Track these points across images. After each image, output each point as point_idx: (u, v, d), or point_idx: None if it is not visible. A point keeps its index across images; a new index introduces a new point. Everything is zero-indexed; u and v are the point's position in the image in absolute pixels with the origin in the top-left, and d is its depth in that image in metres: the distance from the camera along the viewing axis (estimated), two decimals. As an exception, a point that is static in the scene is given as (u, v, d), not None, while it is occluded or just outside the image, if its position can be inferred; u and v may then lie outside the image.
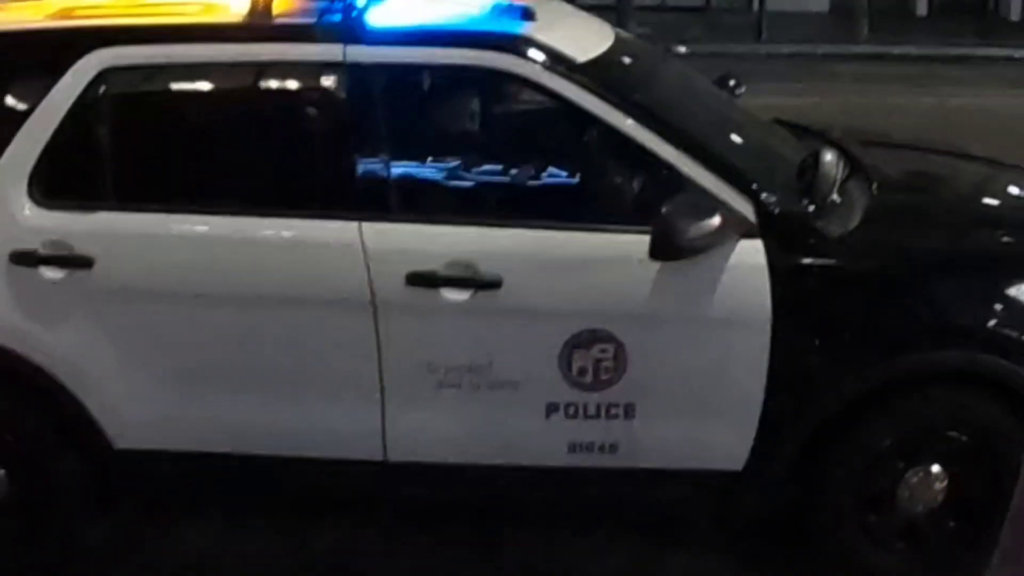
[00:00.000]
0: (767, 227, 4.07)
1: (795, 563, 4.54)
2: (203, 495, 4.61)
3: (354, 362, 4.16)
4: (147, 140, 4.29)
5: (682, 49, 14.36)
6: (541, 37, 4.23)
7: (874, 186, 4.57)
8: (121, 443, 4.29)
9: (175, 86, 4.31)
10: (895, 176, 4.87)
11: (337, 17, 4.19)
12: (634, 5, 16.91)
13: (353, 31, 4.16)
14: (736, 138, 4.57)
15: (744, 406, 4.14)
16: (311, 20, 4.20)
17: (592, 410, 4.16)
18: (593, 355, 4.09)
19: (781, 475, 4.26)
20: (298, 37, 4.20)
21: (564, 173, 4.37)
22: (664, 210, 3.90)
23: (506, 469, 4.28)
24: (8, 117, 4.23)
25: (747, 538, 4.67)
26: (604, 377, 4.11)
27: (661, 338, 4.11)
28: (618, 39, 4.69)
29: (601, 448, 4.21)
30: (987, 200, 4.98)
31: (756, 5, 17.85)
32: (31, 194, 4.17)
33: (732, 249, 4.03)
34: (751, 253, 4.04)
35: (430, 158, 4.30)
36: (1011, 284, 4.20)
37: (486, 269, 4.05)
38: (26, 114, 4.19)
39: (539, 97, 4.22)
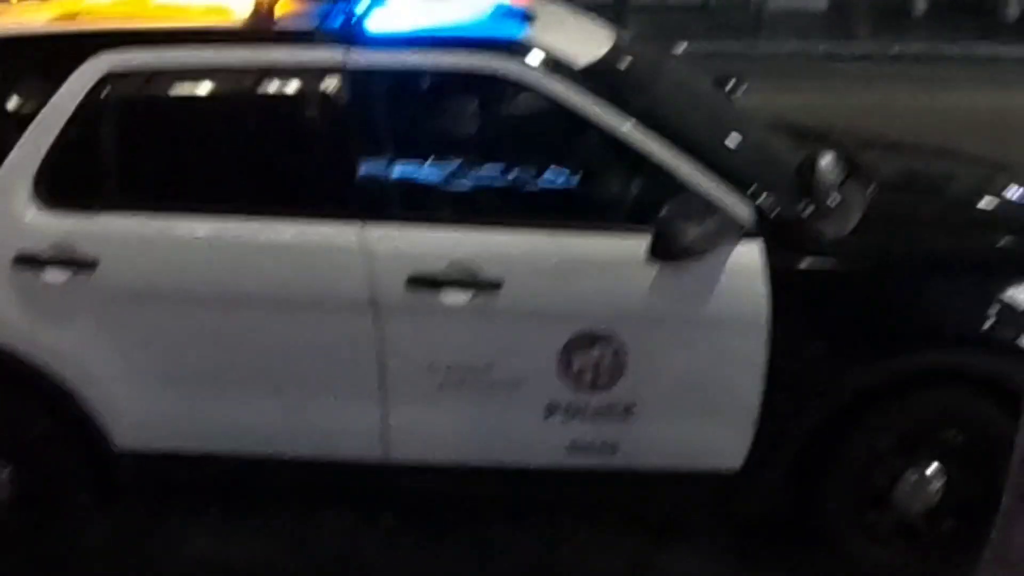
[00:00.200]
0: (765, 229, 4.09)
1: (793, 562, 4.55)
2: (205, 495, 4.64)
3: (355, 363, 4.18)
4: (150, 143, 4.30)
5: (681, 48, 14.33)
6: (541, 40, 4.25)
7: (872, 187, 4.59)
8: (124, 444, 4.31)
9: (178, 90, 4.31)
10: (893, 177, 4.89)
11: (338, 21, 4.21)
12: (632, 4, 16.87)
13: (354, 35, 4.18)
14: (735, 140, 4.58)
15: (743, 406, 4.16)
16: (313, 24, 4.22)
17: (592, 411, 4.18)
18: (593, 356, 4.12)
19: (780, 475, 4.28)
20: (300, 41, 4.22)
21: (564, 176, 4.37)
22: (663, 212, 3.92)
23: (506, 469, 4.30)
24: (13, 120, 4.26)
25: (745, 537, 4.69)
26: (604, 378, 4.14)
27: (660, 339, 4.13)
28: (618, 41, 4.71)
29: (601, 448, 4.23)
30: (984, 201, 4.97)
31: (754, 4, 17.79)
32: (35, 197, 4.19)
33: (730, 251, 4.05)
34: (749, 255, 4.07)
35: (431, 161, 4.31)
36: (1008, 285, 4.21)
37: (486, 271, 4.07)
38: (30, 117, 4.20)
39: (539, 100, 4.22)
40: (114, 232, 4.18)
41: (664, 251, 3.94)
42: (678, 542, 4.69)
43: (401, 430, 4.25)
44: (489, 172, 4.34)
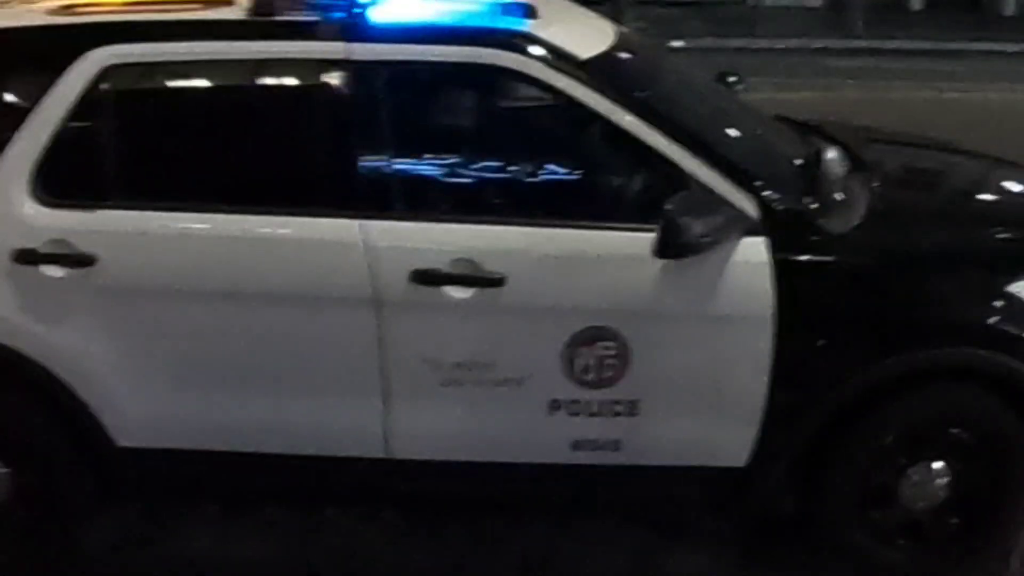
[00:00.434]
0: (770, 224, 4.06)
1: (798, 559, 4.54)
2: (205, 493, 4.61)
3: (357, 360, 4.15)
4: (149, 138, 4.27)
5: (677, 44, 14.35)
6: (543, 34, 4.22)
7: (876, 182, 4.56)
8: (123, 441, 4.28)
9: (178, 83, 4.30)
10: (897, 172, 4.88)
11: (340, 14, 4.17)
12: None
13: (356, 28, 4.15)
14: (739, 135, 4.55)
15: (747, 403, 4.13)
16: (314, 17, 4.18)
17: (595, 407, 4.16)
18: (596, 352, 4.09)
19: (785, 472, 4.26)
20: (301, 34, 4.17)
21: (567, 170, 4.36)
22: (668, 208, 3.88)
23: (509, 466, 4.27)
24: (10, 114, 4.21)
25: (749, 534, 4.69)
26: (607, 374, 4.11)
27: (664, 335, 4.10)
28: (620, 35, 4.68)
29: (604, 445, 4.21)
30: (988, 196, 4.97)
31: (751, -1, 17.87)
32: (33, 192, 4.15)
33: (735, 246, 4.03)
34: (754, 250, 4.04)
35: (433, 155, 4.29)
36: (1013, 280, 4.19)
37: (489, 266, 4.04)
38: (28, 111, 4.17)
39: (542, 94, 4.21)
40: (113, 228, 4.14)
41: (669, 247, 3.91)
42: (680, 539, 4.70)
43: (403, 427, 4.22)
44: (492, 166, 4.32)
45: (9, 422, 4.32)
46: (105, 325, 4.17)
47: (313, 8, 4.21)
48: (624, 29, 4.84)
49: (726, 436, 4.19)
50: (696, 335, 4.10)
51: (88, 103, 4.16)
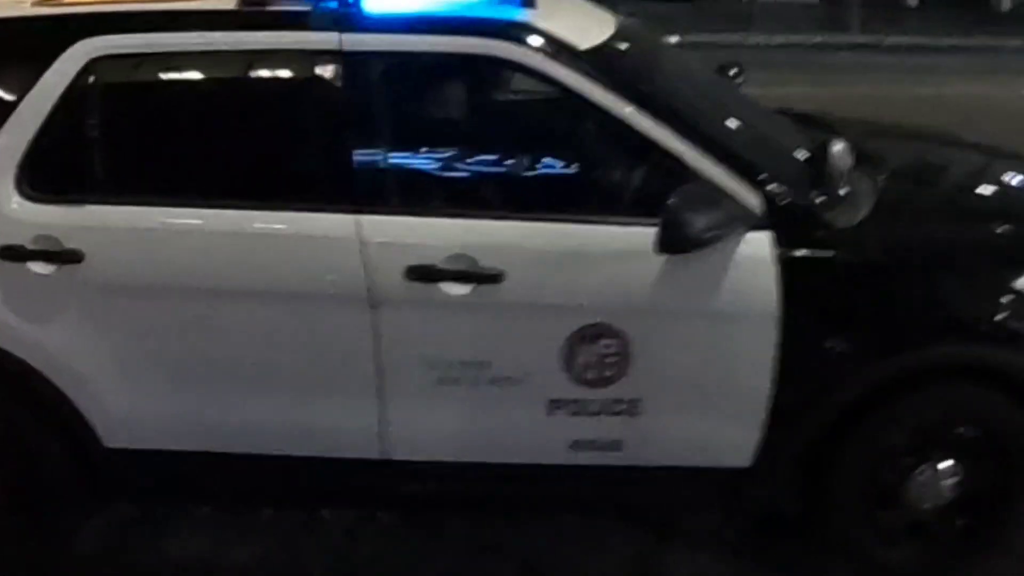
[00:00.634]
0: (775, 219, 3.99)
1: (802, 560, 4.50)
2: (197, 495, 4.57)
3: (351, 358, 4.08)
4: (138, 131, 4.19)
5: (673, 39, 14.26)
6: (542, 23, 4.13)
7: (881, 176, 4.50)
8: (112, 442, 4.22)
9: (167, 75, 4.21)
10: (902, 166, 4.79)
11: (333, 4, 4.08)
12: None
13: (349, 18, 4.06)
14: (742, 127, 4.46)
15: (751, 402, 4.06)
16: (306, 7, 4.09)
17: (596, 407, 4.09)
18: (597, 350, 4.02)
19: (789, 472, 4.20)
20: (293, 24, 4.09)
21: (567, 164, 4.29)
22: (671, 202, 3.81)
23: (508, 467, 4.21)
24: (-4, 107, 4.13)
25: (753, 535, 4.64)
26: (608, 373, 4.04)
27: (666, 333, 4.03)
28: (620, 26, 4.60)
29: (605, 445, 4.15)
30: (996, 189, 4.89)
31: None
32: (19, 187, 4.08)
33: (739, 241, 3.95)
34: (758, 245, 3.97)
35: (429, 149, 4.22)
36: (1022, 276, 4.11)
37: (487, 262, 3.97)
38: (13, 105, 4.08)
39: (541, 86, 4.13)
40: (101, 223, 4.07)
41: (672, 242, 3.84)
42: (682, 540, 4.65)
43: (399, 427, 4.15)
44: (490, 160, 4.26)
45: (-5, 423, 4.24)
46: (93, 323, 4.10)
47: None
48: (624, 19, 4.74)
49: (730, 436, 4.13)
50: (699, 332, 4.03)
51: (75, 96, 4.09)
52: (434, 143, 4.23)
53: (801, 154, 4.44)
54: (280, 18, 4.11)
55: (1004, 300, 4.10)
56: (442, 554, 4.58)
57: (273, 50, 4.14)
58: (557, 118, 4.30)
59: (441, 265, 3.97)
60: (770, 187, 4.02)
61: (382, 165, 4.07)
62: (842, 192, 4.20)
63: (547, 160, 4.26)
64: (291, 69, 4.18)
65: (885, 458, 4.19)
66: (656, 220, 3.84)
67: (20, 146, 4.08)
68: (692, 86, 4.75)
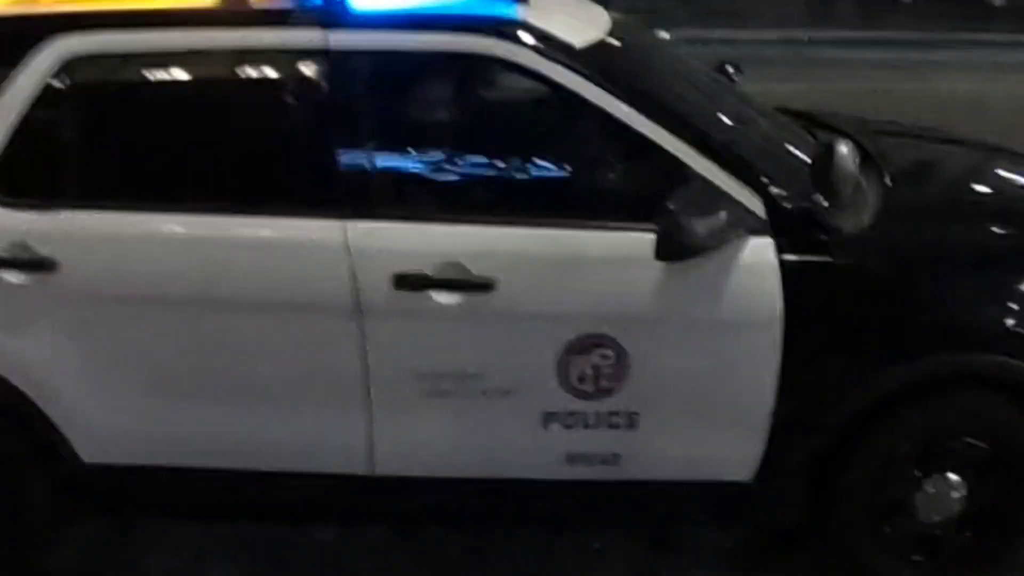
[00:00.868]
0: (777, 223, 3.89)
1: (798, 571, 4.46)
2: (179, 512, 4.45)
3: (338, 370, 3.98)
4: (115, 134, 4.07)
5: (664, 35, 14.19)
6: (535, 21, 4.02)
7: (887, 178, 4.40)
8: (91, 457, 4.12)
9: (145, 76, 4.08)
10: (908, 166, 4.71)
11: (318, 0, 3.97)
12: (615, -11, 16.79)
13: (335, 15, 3.94)
14: (743, 128, 4.36)
15: (754, 414, 3.97)
16: (290, 4, 3.99)
17: (592, 419, 3.99)
18: (593, 361, 3.92)
19: (792, 485, 4.10)
20: (276, 22, 3.98)
21: (561, 167, 4.17)
22: (670, 207, 3.71)
23: (501, 482, 4.12)
24: (-34, 110, 4.01)
25: (753, 548, 4.57)
26: (605, 384, 3.94)
27: (665, 343, 3.93)
28: (616, 23, 4.50)
29: (602, 460, 4.05)
30: (1004, 191, 4.81)
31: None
32: (-9, 193, 3.97)
33: (740, 247, 3.85)
34: (760, 251, 3.86)
35: (418, 152, 4.10)
36: (1035, 282, 4.02)
37: (478, 270, 3.86)
38: (-14, 106, 3.97)
39: (534, 86, 4.01)
40: (76, 231, 3.96)
41: (671, 249, 3.74)
42: (679, 553, 4.59)
43: (387, 442, 4.05)
44: (481, 163, 4.14)
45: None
46: (69, 334, 3.99)
47: None
48: (619, 16, 4.63)
49: (731, 449, 4.03)
50: (699, 342, 3.93)
51: (49, 97, 3.98)
52: (424, 146, 4.11)
53: (804, 155, 4.33)
54: (263, 16, 4.02)
55: (1015, 307, 4.00)
56: (430, 570, 4.51)
57: (256, 49, 4.02)
58: (552, 119, 4.18)
59: (431, 273, 3.86)
60: (772, 190, 3.92)
61: (369, 169, 3.96)
62: (847, 195, 4.06)
63: (541, 163, 4.15)
64: (275, 69, 4.05)
65: (892, 470, 4.09)
66: (654, 225, 3.74)
67: (-8, 150, 3.98)
68: (690, 85, 4.64)
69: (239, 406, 4.04)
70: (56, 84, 3.97)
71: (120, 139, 4.07)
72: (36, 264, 3.93)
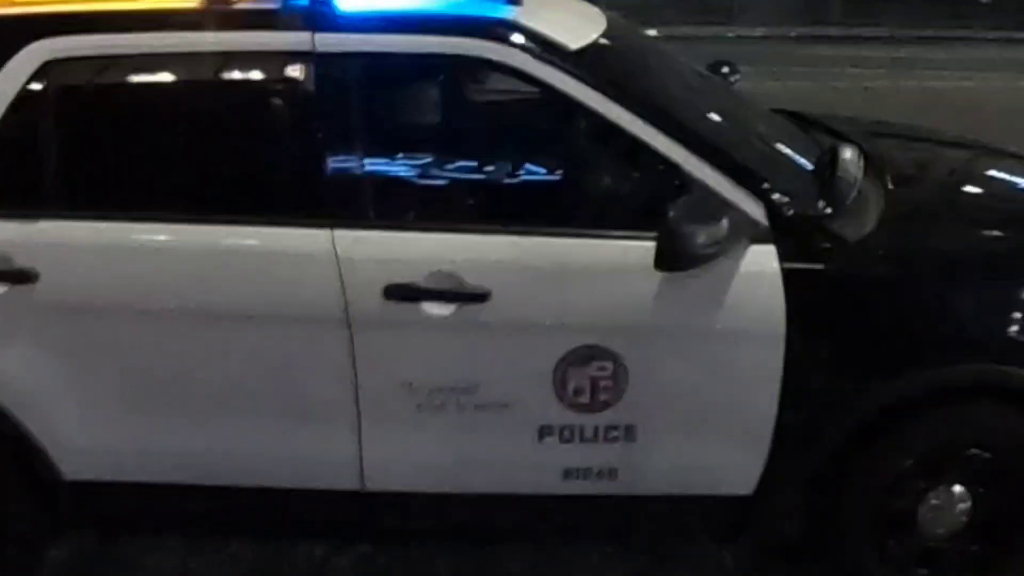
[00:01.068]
0: (780, 230, 3.81)
1: None
2: (163, 529, 4.40)
3: (327, 383, 3.90)
4: (96, 140, 3.97)
5: (652, 32, 14.18)
6: (528, 22, 3.94)
7: (889, 182, 4.31)
8: (72, 474, 4.03)
9: (126, 79, 4.02)
10: (909, 171, 4.63)
11: (304, 1, 3.87)
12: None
13: (322, 17, 3.85)
14: (742, 133, 4.29)
15: (755, 426, 3.89)
16: (276, 5, 3.89)
17: (589, 433, 3.92)
18: (590, 373, 3.84)
19: (794, 498, 4.04)
20: (261, 24, 3.89)
21: (557, 173, 4.14)
22: (671, 215, 3.62)
23: (496, 498, 4.05)
24: (-60, 116, 3.93)
25: (753, 562, 4.52)
26: (602, 397, 3.87)
27: (664, 354, 3.85)
28: (611, 24, 4.41)
29: (599, 474, 3.98)
30: (1010, 196, 4.74)
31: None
32: (-34, 202, 3.88)
33: (741, 255, 3.77)
34: (762, 259, 3.78)
35: (409, 157, 4.05)
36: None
37: (471, 280, 3.78)
38: (-39, 112, 3.89)
39: (529, 90, 3.94)
40: (56, 241, 3.87)
41: (672, 259, 3.64)
42: (677, 566, 4.54)
43: (378, 457, 3.97)
44: (475, 169, 4.11)
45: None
46: (49, 348, 3.91)
47: None
48: (614, 16, 4.55)
49: (732, 462, 3.96)
50: (699, 353, 3.85)
51: (28, 102, 3.90)
52: (415, 151, 4.06)
53: (804, 160, 4.27)
54: (247, 17, 3.93)
55: (1020, 316, 3.91)
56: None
57: (240, 52, 3.95)
58: (546, 124, 4.14)
59: (422, 283, 3.79)
60: (774, 196, 3.84)
61: (359, 175, 3.87)
62: (850, 200, 4.02)
63: (536, 170, 4.12)
64: (260, 72, 3.99)
65: (896, 482, 4.02)
66: (653, 233, 3.66)
67: (-33, 156, 3.90)
68: (689, 88, 4.58)
69: (224, 421, 3.96)
70: (35, 88, 3.89)
71: (101, 145, 3.99)
72: (14, 275, 3.84)
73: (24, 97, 3.88)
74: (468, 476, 4.01)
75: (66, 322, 3.88)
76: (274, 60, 3.91)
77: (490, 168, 4.08)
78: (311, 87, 3.87)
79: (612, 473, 3.97)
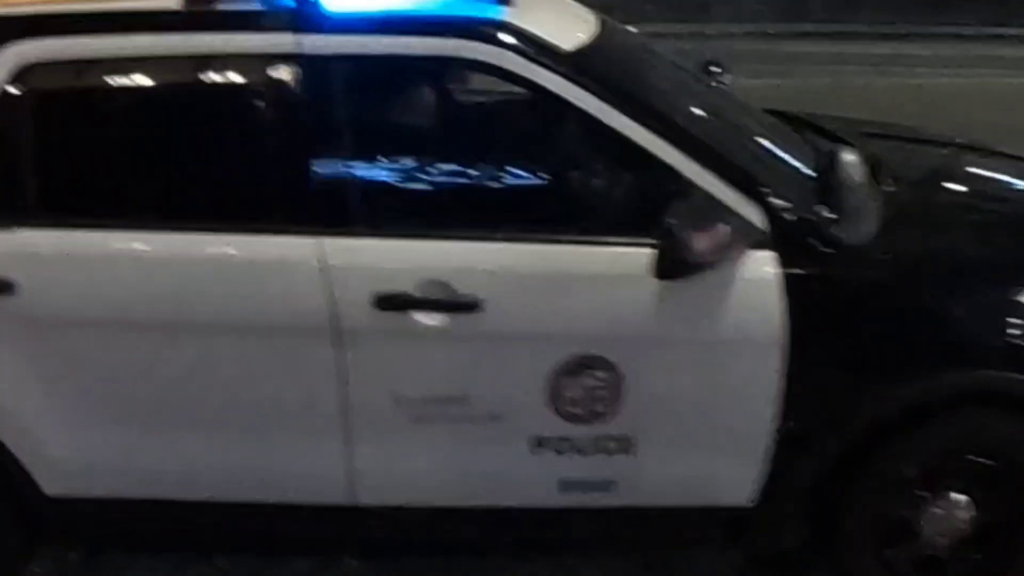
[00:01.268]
0: (779, 236, 3.75)
1: None
2: (148, 545, 4.35)
3: (316, 395, 3.84)
4: (76, 146, 3.90)
5: (631, 29, 14.18)
6: (521, 23, 3.87)
7: (888, 186, 4.27)
8: (54, 490, 3.97)
9: (108, 83, 3.92)
10: (907, 173, 4.56)
11: (290, 2, 3.80)
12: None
13: (309, 18, 3.77)
14: (740, 136, 4.24)
15: (754, 436, 3.85)
16: (260, 6, 3.81)
17: (585, 444, 3.87)
18: (585, 383, 3.79)
19: (794, 509, 4.00)
20: (245, 25, 3.80)
21: (551, 179, 4.07)
22: (669, 222, 3.56)
23: (489, 511, 4.00)
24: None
25: (754, 572, 4.46)
26: (598, 408, 3.82)
27: (661, 363, 3.79)
28: (604, 26, 4.36)
29: (596, 486, 3.94)
30: (1009, 198, 4.71)
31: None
32: (-58, 211, 3.80)
33: (740, 262, 3.71)
34: (761, 265, 3.73)
35: (398, 163, 3.99)
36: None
37: (463, 289, 3.72)
38: (-64, 118, 3.81)
39: (521, 92, 3.88)
40: (34, 250, 3.80)
41: (671, 266, 3.59)
42: (674, 573, 4.49)
43: (368, 470, 3.92)
44: (466, 175, 4.04)
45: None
46: (27, 361, 3.83)
47: None
48: (607, 17, 4.51)
49: (731, 473, 3.92)
50: (697, 362, 3.80)
51: (4, 106, 3.81)
52: (404, 157, 4.01)
53: (802, 163, 4.23)
54: (231, 19, 3.83)
55: (1022, 322, 3.87)
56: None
57: (224, 54, 3.86)
58: (540, 128, 4.08)
59: (413, 292, 3.72)
60: (773, 201, 3.79)
61: (347, 181, 3.81)
62: (850, 205, 3.96)
63: (529, 175, 4.07)
64: (244, 75, 3.89)
65: (898, 491, 3.98)
66: (648, 240, 3.62)
67: (-57, 164, 3.82)
68: (684, 91, 4.53)
69: (211, 435, 3.90)
70: (11, 92, 3.80)
71: (81, 151, 3.91)
72: (-9, 286, 3.78)
73: (1, 102, 3.79)
74: (462, 489, 3.96)
75: (44, 334, 3.81)
76: (259, 63, 3.83)
77: (483, 174, 4.03)
78: (297, 90, 3.79)
79: (609, 485, 3.93)
